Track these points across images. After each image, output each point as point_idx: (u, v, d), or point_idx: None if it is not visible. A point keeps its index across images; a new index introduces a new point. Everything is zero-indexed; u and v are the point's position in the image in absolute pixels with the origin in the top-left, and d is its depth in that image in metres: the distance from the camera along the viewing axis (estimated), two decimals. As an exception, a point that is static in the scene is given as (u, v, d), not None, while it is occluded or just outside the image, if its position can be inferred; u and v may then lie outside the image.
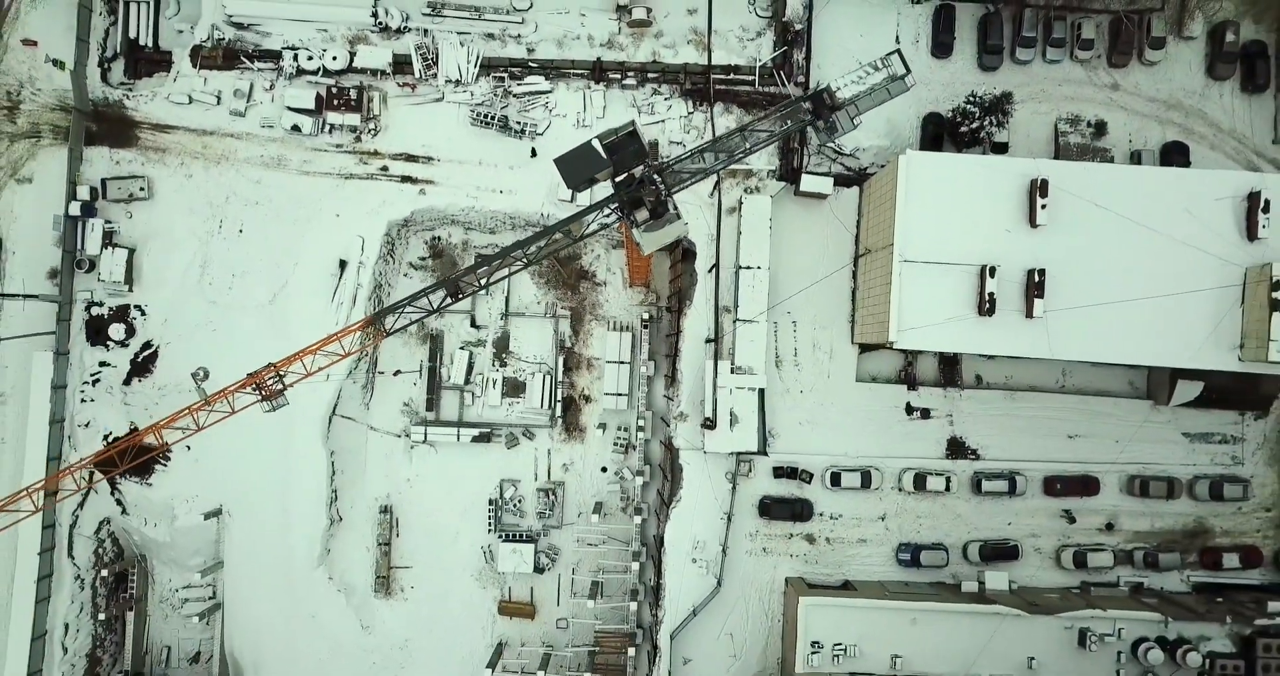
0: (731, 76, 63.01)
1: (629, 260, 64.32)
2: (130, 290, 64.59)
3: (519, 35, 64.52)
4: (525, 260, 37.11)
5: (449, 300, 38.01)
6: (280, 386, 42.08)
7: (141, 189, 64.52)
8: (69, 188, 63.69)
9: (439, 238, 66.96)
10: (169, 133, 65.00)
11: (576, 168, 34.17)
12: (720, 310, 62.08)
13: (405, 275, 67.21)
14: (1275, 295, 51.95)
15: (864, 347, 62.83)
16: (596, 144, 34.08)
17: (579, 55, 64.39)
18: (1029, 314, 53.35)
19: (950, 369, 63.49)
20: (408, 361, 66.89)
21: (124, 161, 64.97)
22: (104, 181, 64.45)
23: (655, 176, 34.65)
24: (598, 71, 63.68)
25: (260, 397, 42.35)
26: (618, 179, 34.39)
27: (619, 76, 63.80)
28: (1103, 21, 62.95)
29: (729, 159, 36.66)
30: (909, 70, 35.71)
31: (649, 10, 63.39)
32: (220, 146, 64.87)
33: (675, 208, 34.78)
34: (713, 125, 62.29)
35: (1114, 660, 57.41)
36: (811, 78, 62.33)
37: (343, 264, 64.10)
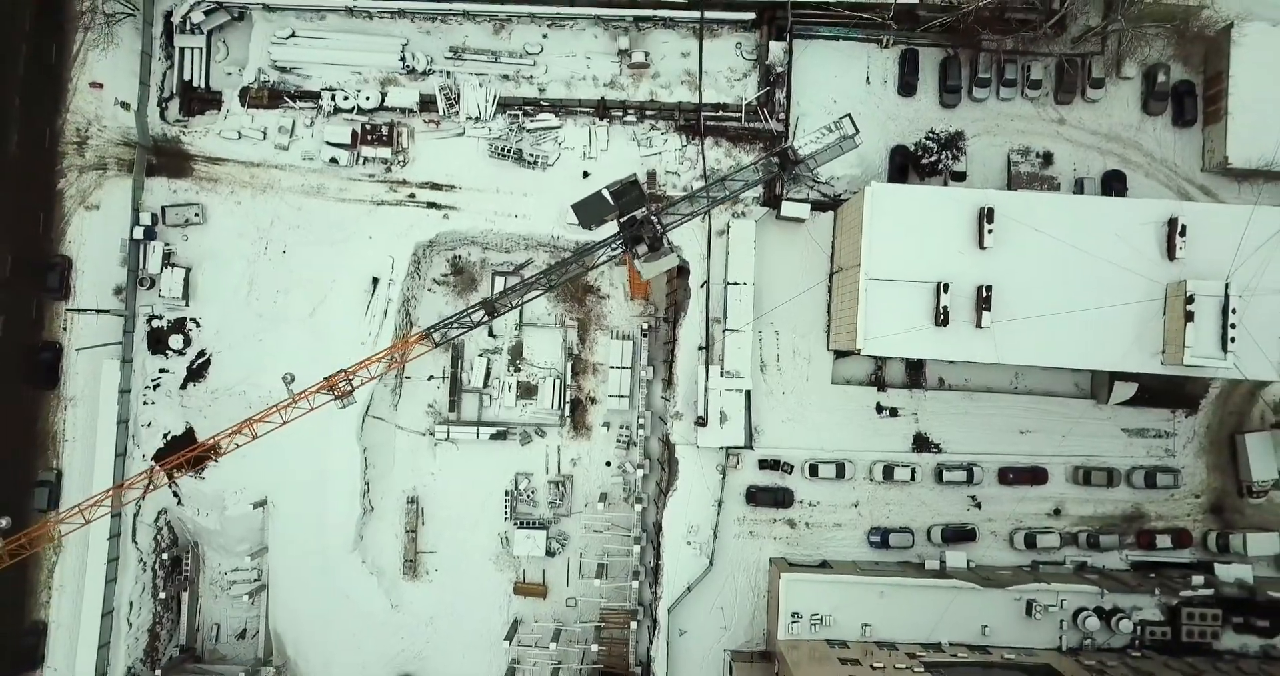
0: (720, 113, 70.88)
1: (630, 277, 72.04)
2: (186, 305, 72.43)
3: (531, 76, 72.45)
4: (547, 284, 44.76)
5: (487, 318, 45.68)
6: (349, 388, 49.90)
7: (196, 215, 72.47)
8: (133, 214, 71.64)
9: (459, 256, 74.66)
10: (221, 164, 73.00)
11: (589, 211, 42.00)
12: (711, 321, 69.78)
13: (429, 290, 74.82)
14: (1189, 308, 59.87)
15: (838, 354, 70.62)
16: (605, 192, 41.75)
17: (585, 94, 72.24)
18: (978, 324, 61.08)
19: (915, 372, 71.32)
20: (432, 367, 74.55)
21: (180, 190, 73.04)
22: (163, 208, 72.43)
23: (653, 218, 42.46)
24: (601, 109, 71.52)
25: (334, 397, 50.13)
26: (622, 220, 42.21)
27: (620, 113, 71.62)
28: (1049, 64, 70.85)
29: (713, 204, 44.39)
30: (858, 130, 43.32)
31: (647, 54, 71.38)
32: (266, 177, 72.85)
33: (669, 243, 42.57)
34: (703, 157, 70.16)
35: (1056, 627, 65.13)
36: (791, 113, 70.37)
37: (375, 281, 71.86)
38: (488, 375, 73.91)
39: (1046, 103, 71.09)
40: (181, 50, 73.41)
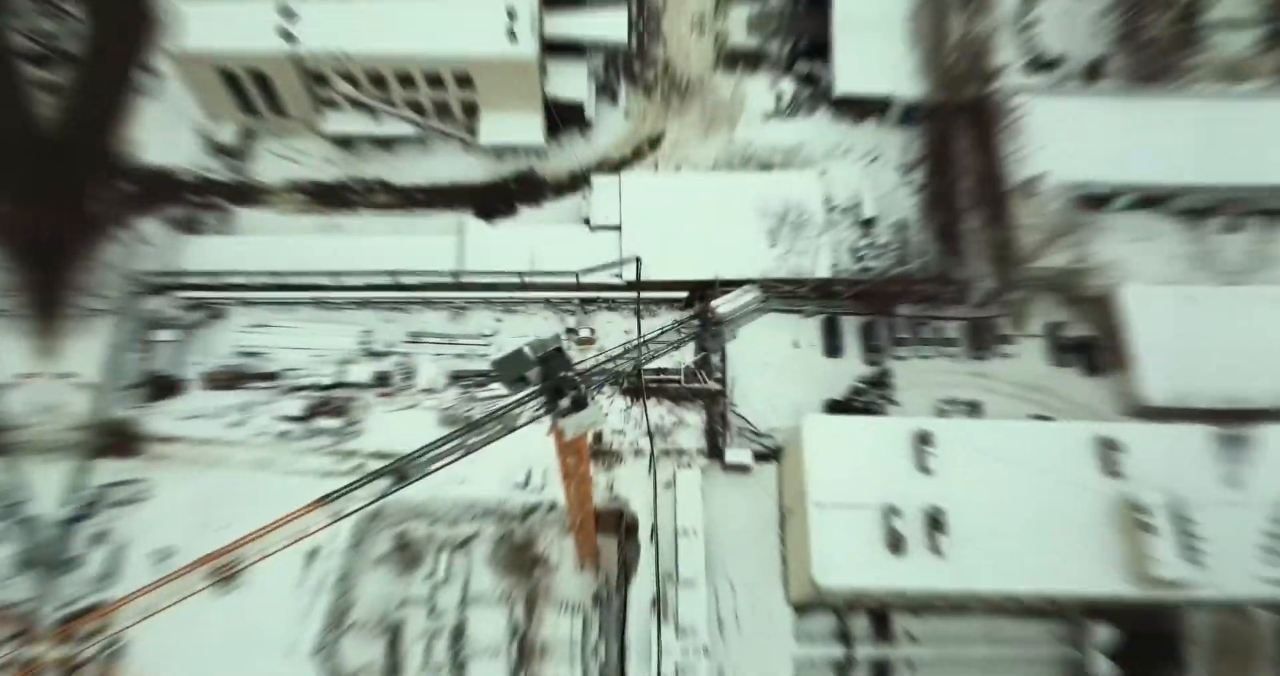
0: (660, 376, 74.88)
1: (578, 541, 70.29)
2: (108, 587, 68.64)
3: (485, 355, 77.09)
4: (465, 450, 44.20)
5: (396, 486, 44.35)
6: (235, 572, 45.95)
7: (139, 493, 71.83)
8: (67, 496, 71.01)
9: (405, 531, 72.97)
10: (172, 444, 74.00)
11: (509, 367, 43.40)
12: (663, 577, 67.04)
13: (371, 568, 72.04)
14: (1145, 519, 59.24)
15: (799, 610, 66.85)
16: (527, 349, 43.59)
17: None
18: (935, 550, 59.56)
19: (882, 626, 66.99)
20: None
21: (126, 470, 73.07)
22: (104, 486, 71.92)
23: (577, 379, 43.92)
24: (549, 378, 75.45)
25: (214, 581, 45.76)
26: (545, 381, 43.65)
27: (567, 381, 75.51)
28: (961, 325, 77.06)
29: (637, 365, 46.36)
30: (767, 298, 47.14)
31: (592, 329, 77.12)
32: (216, 454, 73.50)
33: (593, 399, 43.62)
34: (646, 417, 72.77)
35: None
36: (727, 374, 74.59)
37: (312, 553, 69.47)
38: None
39: (963, 358, 75.97)
40: (154, 343, 77.99)
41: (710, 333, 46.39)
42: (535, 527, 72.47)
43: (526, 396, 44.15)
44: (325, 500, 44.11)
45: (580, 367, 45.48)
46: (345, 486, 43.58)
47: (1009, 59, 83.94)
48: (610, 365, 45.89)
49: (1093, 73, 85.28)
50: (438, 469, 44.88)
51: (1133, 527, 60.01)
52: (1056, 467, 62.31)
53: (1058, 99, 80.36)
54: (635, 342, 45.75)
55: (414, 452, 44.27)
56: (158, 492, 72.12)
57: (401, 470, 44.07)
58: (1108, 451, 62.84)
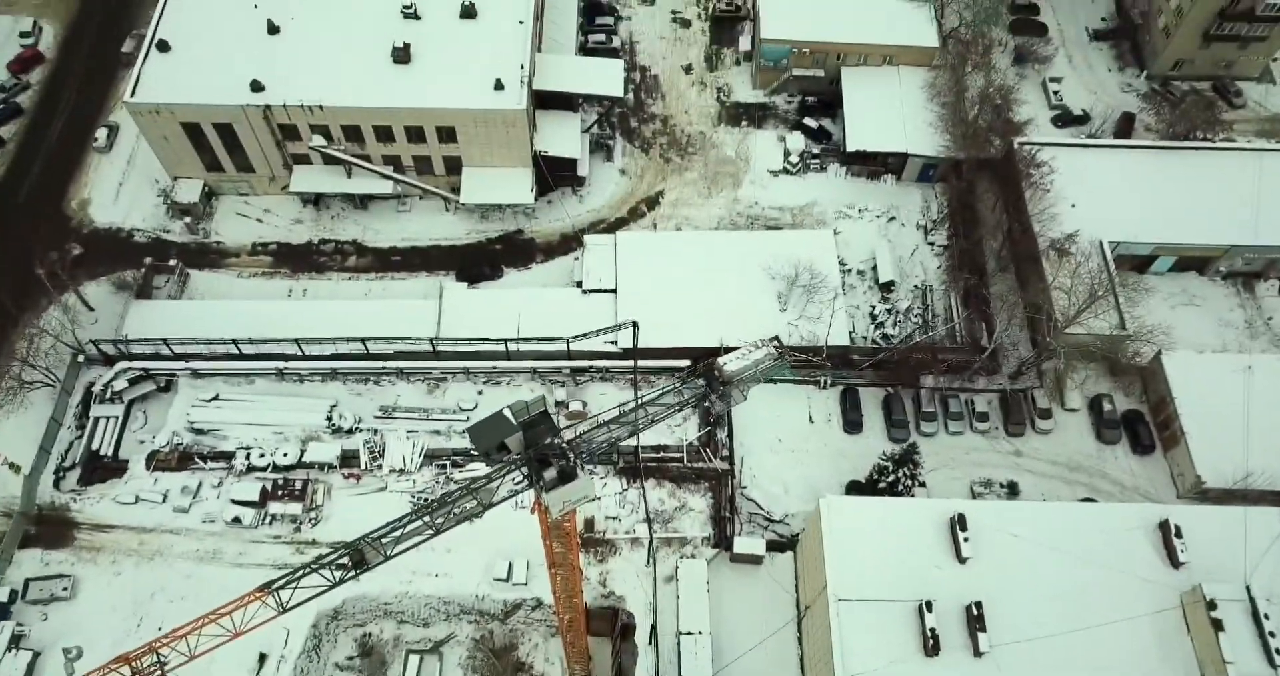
0: (661, 455, 67.23)
1: (566, 643, 61.62)
2: (25, 698, 59.38)
3: (464, 431, 69.38)
4: (433, 529, 36.92)
5: (353, 572, 36.75)
6: (159, 673, 37.79)
7: (64, 589, 63.01)
8: (-13, 590, 62.22)
9: (369, 634, 64.22)
10: (108, 532, 65.49)
11: (487, 434, 36.29)
12: (664, 686, 58.26)
13: (329, 676, 63.11)
14: (1214, 615, 51.14)
15: (821, 725, 57.88)
16: (508, 412, 36.67)
17: (519, 445, 68.80)
18: (975, 651, 51.24)
19: (918, 745, 57.87)
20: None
21: (53, 562, 64.43)
22: (26, 582, 63.15)
23: (565, 447, 36.94)
24: (536, 458, 67.52)
25: None
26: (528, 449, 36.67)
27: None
28: (993, 398, 69.93)
29: (633, 431, 39.29)
30: (783, 354, 40.39)
31: (585, 403, 69.66)
32: (157, 543, 65.04)
33: (584, 469, 36.58)
34: (645, 500, 64.84)
35: None
36: (736, 453, 66.88)
37: (262, 658, 60.55)
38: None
39: (998, 435, 68.53)
40: (95, 420, 70.27)
41: (717, 394, 39.47)
42: (517, 628, 64.11)
43: (506, 465, 36.72)
44: (267, 589, 36.08)
45: (568, 435, 38.43)
46: (292, 571, 35.56)
47: (1035, 112, 79.32)
48: (603, 432, 38.46)
49: (1125, 127, 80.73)
50: (403, 551, 36.97)
51: (1200, 625, 52.16)
52: (1109, 557, 54.82)
53: (1089, 154, 75.26)
54: (631, 405, 38.61)
55: (374, 532, 36.42)
56: (84, 590, 63.50)
57: (360, 553, 36.06)
58: (1167, 538, 55.21)
